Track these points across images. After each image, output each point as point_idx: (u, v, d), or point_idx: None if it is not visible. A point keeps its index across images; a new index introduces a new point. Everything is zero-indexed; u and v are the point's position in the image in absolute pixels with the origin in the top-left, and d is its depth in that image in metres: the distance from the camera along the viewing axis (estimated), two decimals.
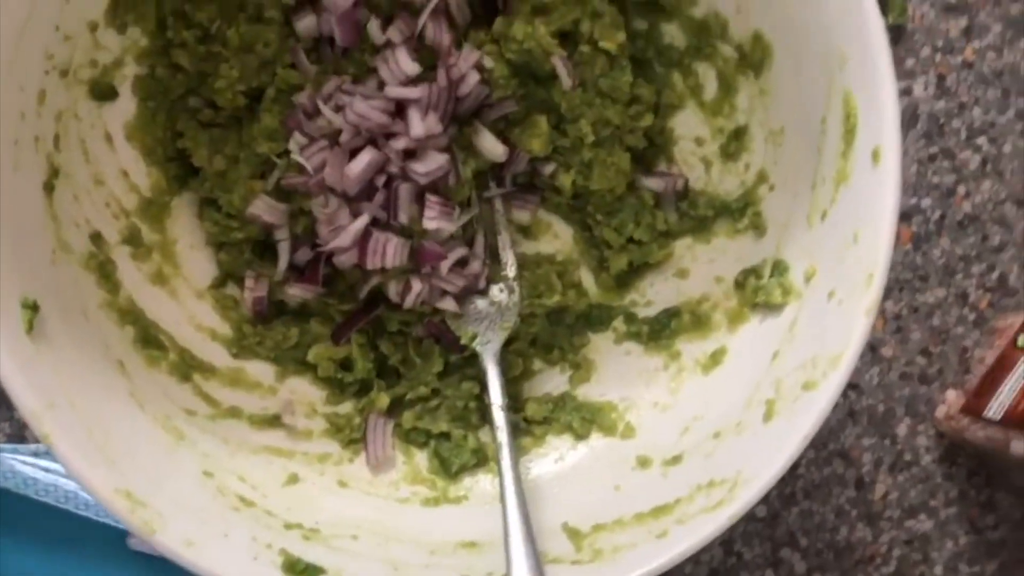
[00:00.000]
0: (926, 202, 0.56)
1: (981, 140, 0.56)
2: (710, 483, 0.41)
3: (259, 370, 0.47)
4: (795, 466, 0.41)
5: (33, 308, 0.37)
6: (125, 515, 0.36)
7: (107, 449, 0.37)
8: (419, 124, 0.43)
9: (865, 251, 0.39)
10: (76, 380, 0.38)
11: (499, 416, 0.44)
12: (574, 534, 0.42)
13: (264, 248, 0.47)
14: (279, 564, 0.38)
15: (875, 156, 0.38)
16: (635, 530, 0.41)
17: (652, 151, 0.49)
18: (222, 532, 0.39)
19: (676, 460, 0.44)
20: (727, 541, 0.55)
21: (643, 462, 0.45)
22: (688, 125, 0.49)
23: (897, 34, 0.55)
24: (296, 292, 0.46)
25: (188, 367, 0.45)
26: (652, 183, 0.49)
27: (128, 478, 0.37)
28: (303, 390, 0.47)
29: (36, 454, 0.47)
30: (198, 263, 0.47)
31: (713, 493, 0.40)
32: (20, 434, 0.50)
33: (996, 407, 0.51)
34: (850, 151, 0.40)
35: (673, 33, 0.47)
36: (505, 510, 0.41)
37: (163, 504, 0.37)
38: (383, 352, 0.48)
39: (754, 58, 0.45)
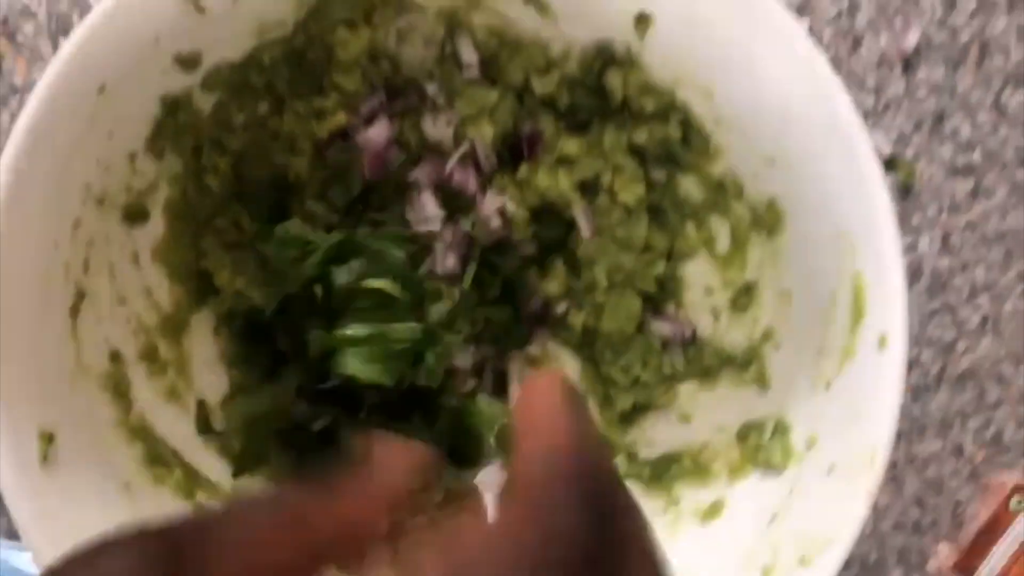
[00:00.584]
0: (926, 355, 0.57)
1: (982, 299, 0.57)
2: None
3: (259, 485, 0.47)
4: None
5: (49, 439, 0.37)
6: None
7: None
8: (440, 265, 0.45)
9: (867, 432, 0.40)
10: (81, 508, 0.38)
11: None
12: None
13: (276, 365, 0.48)
14: None
15: (881, 342, 0.39)
16: None
17: (662, 295, 0.50)
18: None
19: None
20: None
21: None
22: (699, 274, 0.50)
23: (905, 193, 0.57)
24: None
25: (192, 485, 0.45)
26: (661, 327, 0.50)
27: None
28: None
29: None
30: (211, 379, 0.47)
31: None
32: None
33: (987, 571, 0.51)
34: (857, 330, 0.41)
35: (690, 187, 0.49)
36: None
37: None
38: None
39: (768, 221, 0.46)
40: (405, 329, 0.43)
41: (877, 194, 0.39)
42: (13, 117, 0.50)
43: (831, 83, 0.39)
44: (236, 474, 0.47)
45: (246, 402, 0.47)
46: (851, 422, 0.41)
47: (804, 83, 0.41)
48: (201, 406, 0.45)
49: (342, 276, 0.44)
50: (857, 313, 0.41)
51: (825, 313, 0.43)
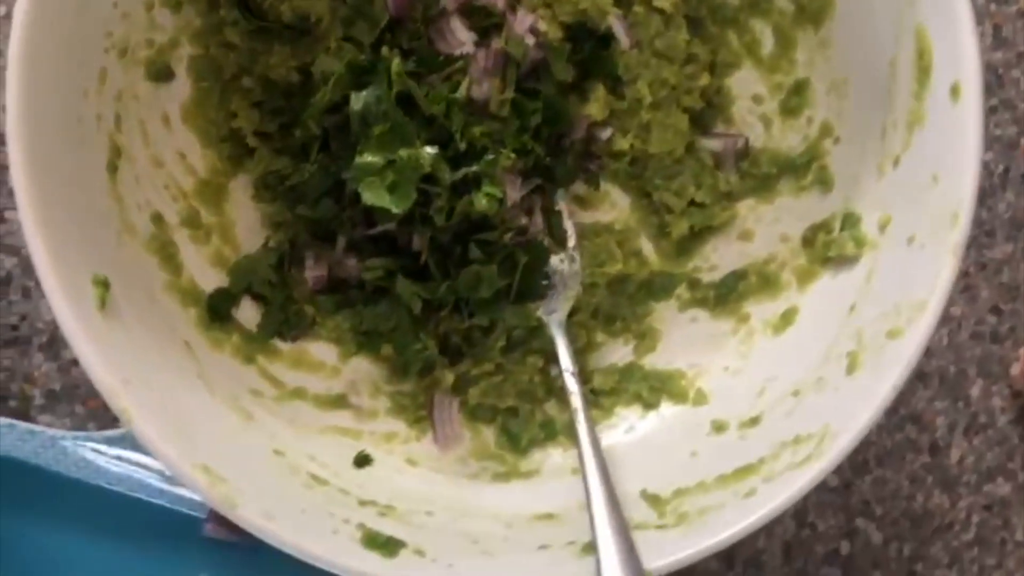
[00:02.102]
0: (988, 156, 0.54)
1: None
2: (795, 439, 0.39)
3: (321, 351, 0.46)
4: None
5: (104, 285, 0.36)
6: (205, 490, 0.35)
7: (183, 426, 0.37)
8: (476, 89, 0.43)
9: (947, 190, 0.38)
10: (147, 359, 0.38)
11: (572, 382, 0.43)
12: (655, 500, 0.41)
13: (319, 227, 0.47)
14: (359, 538, 0.37)
15: (954, 92, 0.37)
16: (719, 492, 0.40)
17: (710, 112, 0.48)
18: (299, 508, 0.38)
19: (754, 422, 0.43)
20: (800, 512, 0.54)
21: (718, 426, 0.44)
22: (746, 83, 0.48)
23: None
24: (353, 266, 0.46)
25: (251, 349, 0.44)
26: (711, 144, 0.48)
27: (205, 454, 0.36)
28: (366, 369, 0.47)
29: (108, 441, 0.46)
30: (257, 245, 0.46)
31: (800, 449, 0.39)
32: (83, 426, 0.50)
33: None
34: (924, 91, 0.39)
35: None
36: (585, 476, 0.40)
37: (240, 480, 0.36)
38: (445, 330, 0.47)
39: (813, 8, 0.44)
40: (416, 155, 0.41)
41: None
42: None
43: None
44: (294, 337, 0.46)
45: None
46: (927, 188, 0.39)
47: None
48: (213, 296, 0.43)
49: (357, 102, 0.42)
50: (923, 71, 0.39)
51: (886, 88, 0.41)
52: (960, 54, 0.37)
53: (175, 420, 0.36)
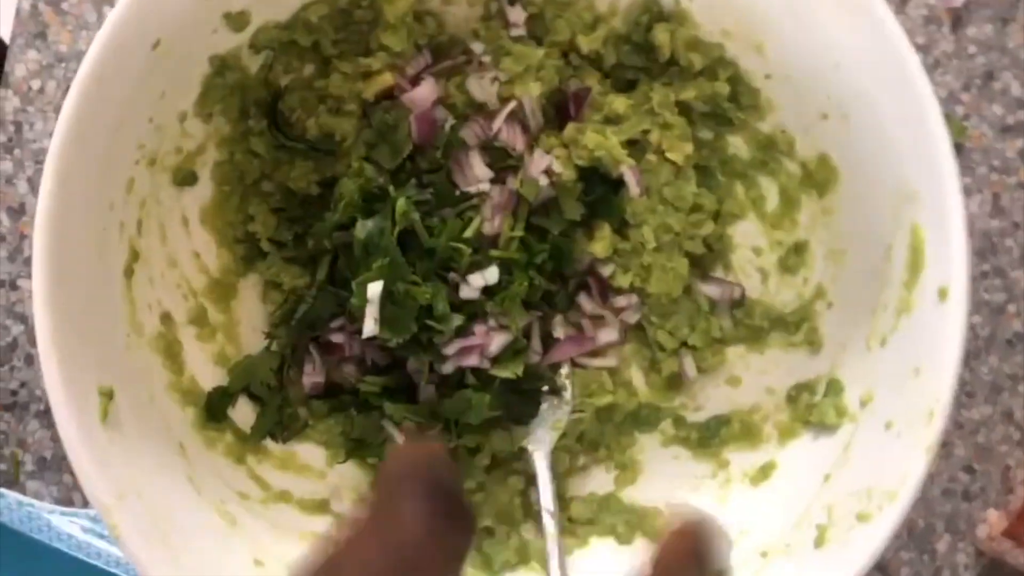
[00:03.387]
0: (976, 319, 0.56)
1: None
2: None
3: (310, 454, 0.47)
4: None
5: (109, 395, 0.37)
6: None
7: (170, 540, 0.37)
8: (488, 226, 0.44)
9: (926, 386, 0.39)
10: (142, 466, 0.39)
11: (549, 523, 0.44)
12: None
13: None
14: None
15: (942, 294, 0.39)
16: None
17: (710, 257, 0.50)
18: None
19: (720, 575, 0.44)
20: None
21: None
22: (747, 235, 0.49)
23: (955, 152, 0.55)
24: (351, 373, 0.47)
25: (243, 449, 0.45)
26: (709, 289, 0.49)
27: (189, 572, 0.37)
28: (351, 475, 0.48)
29: (92, 519, 0.47)
30: (259, 345, 0.47)
31: None
32: (68, 498, 0.50)
33: None
34: (915, 284, 0.40)
35: (738, 145, 0.48)
36: None
37: None
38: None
39: (819, 179, 0.46)
40: (412, 290, 0.42)
41: (940, 142, 0.38)
42: (59, 85, 0.51)
43: (892, 29, 0.38)
44: (286, 438, 0.47)
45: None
46: (909, 378, 0.40)
47: (861, 31, 0.40)
48: (212, 394, 0.44)
49: (361, 231, 0.43)
50: (915, 267, 0.40)
51: (879, 269, 0.43)
52: (951, 259, 0.38)
53: (164, 535, 0.37)
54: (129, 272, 0.41)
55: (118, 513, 0.36)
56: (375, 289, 0.41)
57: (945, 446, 0.56)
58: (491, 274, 0.44)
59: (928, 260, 0.39)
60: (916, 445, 0.38)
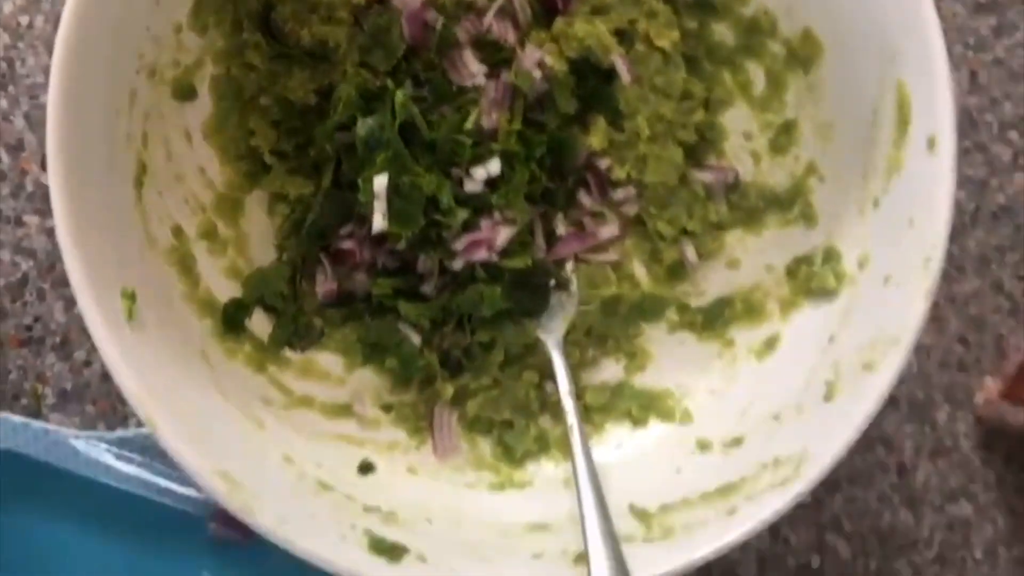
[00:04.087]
0: (960, 195, 0.58)
1: (1012, 134, 0.58)
2: (775, 461, 0.42)
3: (328, 361, 0.48)
4: None
5: (131, 298, 0.38)
6: (224, 496, 0.37)
7: (202, 433, 0.39)
8: (486, 119, 0.45)
9: (921, 235, 0.41)
10: (169, 367, 0.40)
11: (568, 403, 0.46)
12: (642, 515, 0.43)
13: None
14: (365, 544, 0.40)
15: (930, 143, 0.40)
16: (703, 509, 0.42)
17: (703, 145, 0.51)
18: (309, 513, 0.40)
19: (736, 442, 0.45)
20: (774, 526, 0.56)
21: (703, 445, 0.46)
22: (737, 120, 0.50)
23: None
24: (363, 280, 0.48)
25: (262, 358, 0.46)
26: (704, 176, 0.50)
27: (223, 461, 0.38)
28: (370, 380, 0.49)
29: (118, 442, 0.48)
30: (270, 258, 0.48)
31: (779, 471, 0.41)
32: (92, 426, 0.51)
33: None
34: (903, 140, 0.42)
35: (723, 31, 0.49)
36: (579, 490, 0.42)
37: (255, 486, 0.39)
38: (445, 347, 0.49)
39: (803, 55, 0.47)
40: (416, 181, 0.43)
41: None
42: (47, 18, 0.51)
43: None
44: (303, 347, 0.48)
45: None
46: (904, 231, 0.42)
47: None
48: (227, 306, 0.45)
49: (362, 128, 0.44)
50: (903, 122, 0.42)
51: (868, 135, 0.44)
52: (937, 108, 0.40)
53: (195, 428, 0.38)
54: (139, 184, 0.41)
55: (153, 405, 0.37)
56: (381, 182, 0.42)
57: (938, 320, 0.58)
58: (493, 165, 0.45)
59: (915, 113, 0.41)
60: (915, 291, 0.40)
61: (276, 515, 0.38)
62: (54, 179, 0.35)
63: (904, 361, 0.40)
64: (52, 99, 0.35)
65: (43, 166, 0.51)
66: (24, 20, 0.50)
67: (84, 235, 0.36)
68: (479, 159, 0.45)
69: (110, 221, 0.39)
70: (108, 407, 0.51)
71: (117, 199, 0.40)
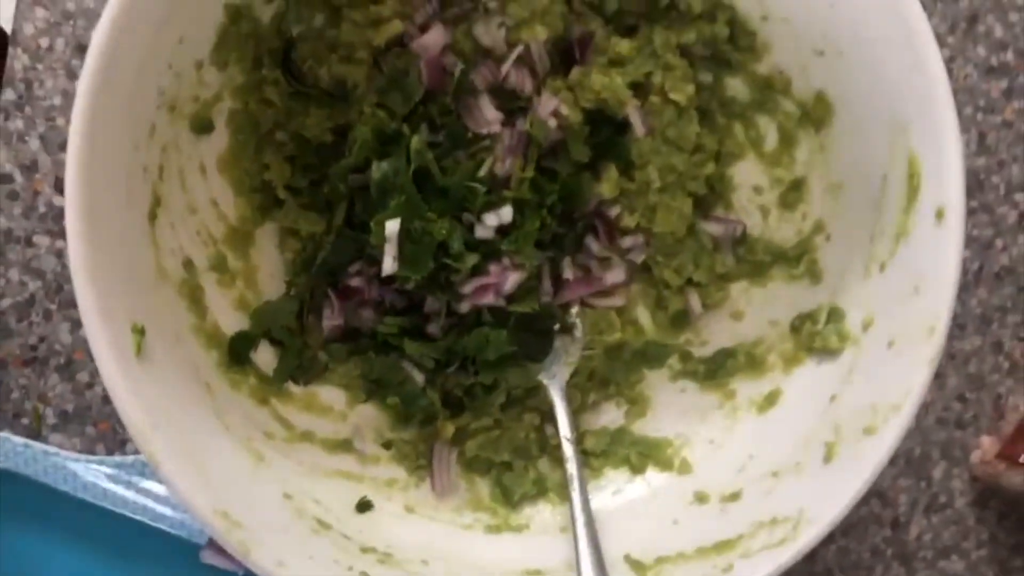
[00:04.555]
0: (964, 254, 0.58)
1: (1019, 196, 0.58)
2: (772, 520, 0.42)
3: (330, 396, 0.49)
4: None
5: (141, 332, 0.38)
6: (223, 535, 0.37)
7: (204, 470, 0.39)
8: (499, 167, 0.46)
9: (926, 303, 0.41)
10: (173, 400, 0.40)
11: (568, 449, 0.46)
12: (637, 566, 0.44)
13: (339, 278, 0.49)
14: None
15: (939, 215, 0.40)
16: (699, 563, 0.42)
17: (712, 197, 0.51)
18: (307, 554, 0.40)
19: (734, 497, 0.45)
20: None
21: (701, 498, 0.47)
22: (747, 174, 0.51)
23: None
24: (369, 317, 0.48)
25: (266, 391, 0.46)
26: (712, 228, 0.51)
27: (223, 499, 0.38)
28: (371, 416, 0.49)
29: (117, 466, 0.48)
30: (278, 291, 0.48)
31: (776, 531, 0.42)
32: (91, 448, 0.51)
33: None
34: (912, 208, 0.42)
35: (737, 87, 0.50)
36: (576, 539, 0.42)
37: (254, 524, 0.39)
38: (448, 385, 0.49)
39: (815, 116, 0.47)
40: (428, 226, 0.43)
41: (933, 65, 0.40)
42: (67, 42, 0.51)
43: None
44: (307, 381, 0.48)
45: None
46: (909, 297, 0.42)
47: None
48: (234, 339, 0.45)
49: (377, 172, 0.44)
50: (912, 191, 0.42)
51: (876, 199, 0.45)
52: (947, 181, 0.40)
53: (196, 463, 0.38)
54: (152, 216, 0.42)
55: (155, 440, 0.37)
56: (393, 226, 0.42)
57: (938, 377, 0.58)
58: (505, 213, 0.45)
59: (925, 183, 0.41)
60: (918, 359, 0.40)
61: (274, 557, 0.38)
62: (71, 213, 0.35)
63: (905, 428, 0.40)
64: (74, 136, 0.35)
65: (56, 187, 0.51)
66: (44, 43, 0.51)
67: (98, 269, 0.37)
68: (491, 206, 0.45)
69: (123, 254, 0.39)
70: (108, 429, 0.51)
71: (131, 232, 0.40)
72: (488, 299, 0.46)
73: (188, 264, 0.44)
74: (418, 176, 0.44)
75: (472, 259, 0.45)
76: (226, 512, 0.38)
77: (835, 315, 0.47)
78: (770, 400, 0.48)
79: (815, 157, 0.48)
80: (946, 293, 0.40)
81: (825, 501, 0.41)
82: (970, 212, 0.58)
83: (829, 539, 0.57)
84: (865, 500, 0.58)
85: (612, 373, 0.51)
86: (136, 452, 0.50)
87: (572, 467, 0.45)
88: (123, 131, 0.39)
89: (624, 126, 0.49)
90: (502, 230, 0.46)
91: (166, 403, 0.39)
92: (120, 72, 0.37)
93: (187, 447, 0.39)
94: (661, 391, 0.51)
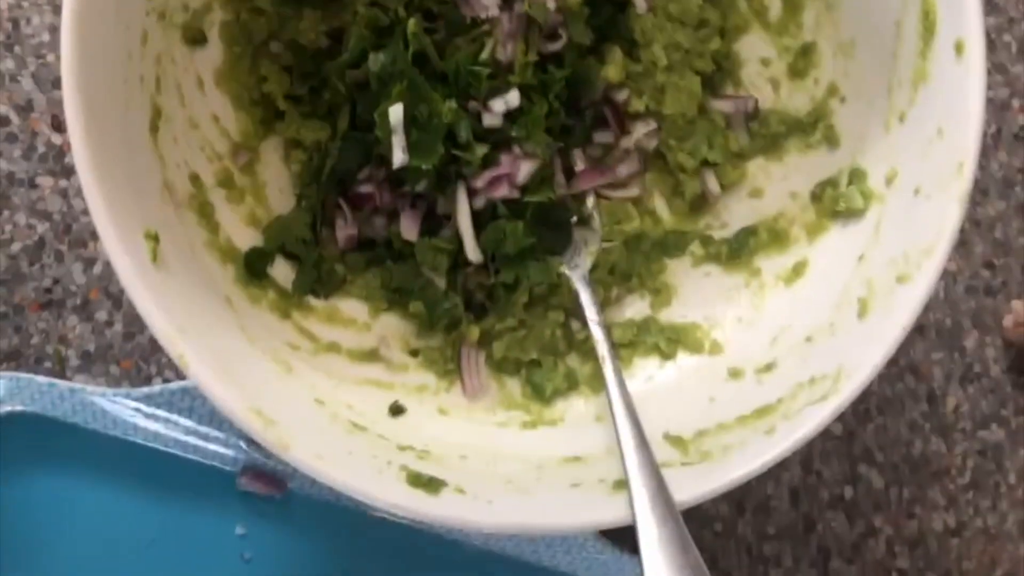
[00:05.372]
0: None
1: None
2: (811, 380, 0.42)
3: (352, 307, 0.48)
4: None
5: (155, 239, 0.38)
6: (260, 432, 0.37)
7: (233, 372, 0.38)
8: (501, 52, 0.44)
9: (952, 142, 0.40)
10: (195, 310, 0.39)
11: (598, 332, 0.45)
12: (677, 442, 0.43)
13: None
14: (403, 478, 0.39)
15: (958, 48, 0.39)
16: (740, 431, 0.42)
17: (720, 75, 0.50)
18: (346, 450, 0.40)
19: (769, 368, 0.45)
20: (806, 459, 0.57)
21: (735, 373, 0.46)
22: (754, 47, 0.50)
23: None
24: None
25: (287, 305, 0.46)
26: (722, 105, 0.50)
27: (256, 399, 0.38)
28: (395, 325, 0.48)
29: (144, 399, 0.48)
30: (288, 205, 0.48)
31: (816, 389, 0.41)
32: (117, 385, 0.51)
33: None
34: (929, 49, 0.41)
35: None
36: (614, 417, 0.42)
37: (289, 423, 0.38)
38: (469, 288, 0.49)
39: None
40: (435, 110, 0.42)
41: None
42: None
43: None
44: (327, 294, 0.48)
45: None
46: (933, 141, 0.41)
47: None
48: (249, 254, 0.45)
49: (375, 63, 0.43)
50: (928, 30, 0.41)
51: (891, 48, 0.43)
52: (963, 12, 0.39)
53: (226, 367, 0.38)
54: (154, 128, 0.41)
55: (184, 344, 0.36)
56: (397, 113, 0.41)
57: (964, 244, 0.57)
58: (512, 97, 0.44)
59: (941, 18, 0.40)
60: (948, 198, 0.39)
61: (312, 451, 0.37)
62: (71, 114, 0.34)
63: (940, 269, 0.39)
64: (65, 32, 0.34)
65: (53, 126, 0.50)
66: None
67: (106, 177, 0.36)
68: (496, 92, 0.44)
69: (129, 163, 0.38)
70: (132, 366, 0.51)
71: (135, 142, 0.39)
72: (502, 191, 0.45)
73: (195, 179, 0.43)
74: (418, 62, 0.43)
75: (482, 149, 0.44)
76: (260, 410, 0.37)
77: (857, 176, 0.46)
78: (797, 271, 0.47)
79: (822, 18, 0.47)
80: (973, 126, 0.39)
81: (864, 353, 0.40)
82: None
83: (866, 417, 0.57)
84: (899, 375, 0.57)
85: (633, 265, 0.50)
86: (165, 382, 0.50)
87: (603, 349, 0.44)
88: (115, 36, 0.38)
89: (625, 4, 0.47)
90: (510, 117, 0.45)
91: (189, 311, 0.38)
92: None
93: (215, 352, 0.38)
94: (685, 278, 0.50)
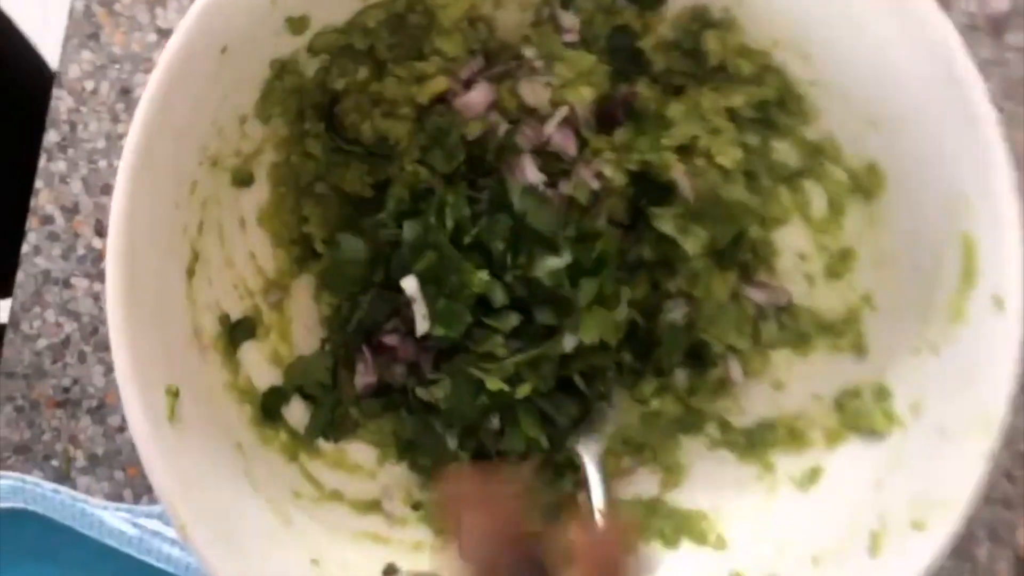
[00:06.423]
0: None
1: None
2: None
3: (360, 453, 0.48)
4: None
5: (175, 395, 0.38)
6: None
7: (232, 537, 0.38)
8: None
9: (982, 395, 0.39)
10: (202, 462, 0.39)
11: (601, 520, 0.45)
12: None
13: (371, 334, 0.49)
14: None
15: (997, 303, 0.39)
16: None
17: (755, 261, 0.50)
18: None
19: None
20: None
21: None
22: (792, 239, 0.50)
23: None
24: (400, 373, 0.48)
25: (296, 447, 0.46)
26: (755, 294, 0.49)
27: (248, 566, 0.38)
28: (400, 475, 0.48)
29: (146, 515, 0.48)
30: (311, 344, 0.48)
31: None
32: (118, 494, 0.51)
33: None
34: (968, 292, 0.40)
35: (784, 150, 0.48)
36: None
37: None
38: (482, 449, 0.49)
39: (866, 185, 0.46)
40: (466, 280, 0.42)
41: (994, 149, 0.38)
42: (111, 85, 0.51)
43: (945, 33, 0.38)
44: (337, 438, 0.48)
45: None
46: (963, 386, 0.40)
47: (911, 37, 0.40)
48: (267, 394, 0.45)
49: (410, 231, 0.44)
50: (968, 275, 0.40)
51: (929, 276, 0.43)
52: (1005, 269, 0.38)
53: (226, 532, 0.38)
54: (191, 272, 0.41)
55: (183, 506, 0.36)
56: (411, 285, 0.41)
57: None
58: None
59: (981, 269, 0.40)
60: (973, 453, 0.39)
61: None
62: (112, 283, 0.35)
63: (959, 527, 0.38)
64: (117, 202, 0.35)
65: (96, 230, 0.51)
66: (90, 85, 0.51)
67: (136, 339, 0.36)
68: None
69: (160, 313, 0.39)
70: (137, 474, 0.51)
71: (169, 290, 0.40)
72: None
73: (224, 319, 0.44)
74: (455, 230, 0.43)
75: (514, 318, 0.44)
76: None
77: (881, 394, 0.45)
78: (812, 478, 0.46)
79: (865, 227, 0.47)
80: (1003, 387, 0.38)
81: None
82: None
83: None
84: None
85: (648, 439, 0.50)
86: None
87: None
88: (166, 191, 0.39)
89: (667, 189, 0.48)
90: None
91: (196, 464, 0.38)
92: (164, 133, 0.37)
93: (215, 512, 0.38)
94: (698, 458, 0.50)
